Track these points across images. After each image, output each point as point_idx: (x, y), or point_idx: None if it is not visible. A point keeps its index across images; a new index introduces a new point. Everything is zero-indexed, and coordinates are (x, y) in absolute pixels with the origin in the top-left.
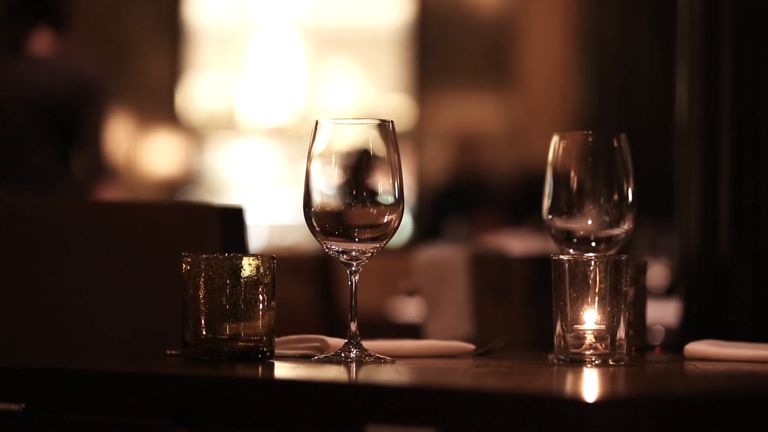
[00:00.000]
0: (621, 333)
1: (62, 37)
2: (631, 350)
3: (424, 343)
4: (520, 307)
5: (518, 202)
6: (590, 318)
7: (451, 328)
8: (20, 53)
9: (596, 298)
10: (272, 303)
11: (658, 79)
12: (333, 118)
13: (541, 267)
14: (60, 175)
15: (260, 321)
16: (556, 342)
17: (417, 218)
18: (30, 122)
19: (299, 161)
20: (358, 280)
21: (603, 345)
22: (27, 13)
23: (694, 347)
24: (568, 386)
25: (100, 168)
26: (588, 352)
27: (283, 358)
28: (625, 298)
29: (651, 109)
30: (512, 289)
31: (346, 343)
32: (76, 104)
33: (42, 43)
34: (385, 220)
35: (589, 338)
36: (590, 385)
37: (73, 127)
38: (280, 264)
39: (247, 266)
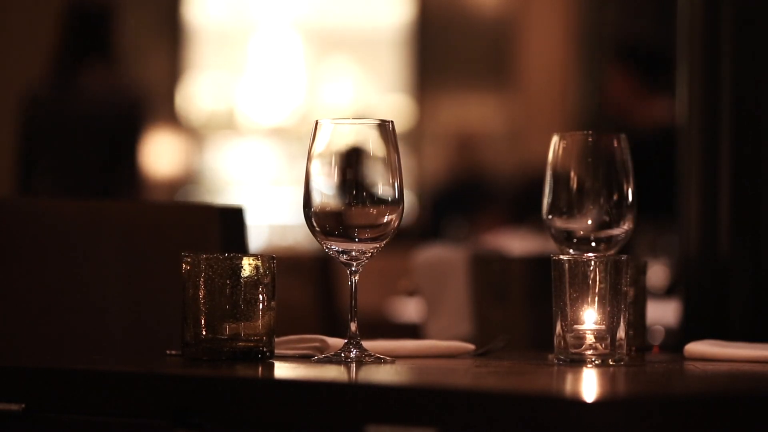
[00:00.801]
0: (621, 333)
1: (110, 68)
2: (631, 350)
3: (424, 343)
4: (520, 307)
5: (518, 202)
6: (590, 318)
7: (451, 328)
8: (76, 86)
9: (596, 298)
10: (272, 303)
11: None
12: (333, 118)
13: (541, 267)
14: (109, 182)
15: (260, 321)
16: (556, 342)
17: (417, 218)
18: (85, 140)
19: (299, 161)
20: (358, 280)
21: (603, 345)
22: (81, 52)
23: (694, 347)
24: (568, 386)
25: (138, 176)
26: (588, 352)
27: (283, 358)
28: (625, 298)
29: None
30: (512, 289)
31: (346, 343)
32: (122, 125)
33: (94, 76)
34: (385, 220)
35: (589, 338)
36: (590, 385)
37: (120, 144)
38: (280, 264)
39: (247, 266)
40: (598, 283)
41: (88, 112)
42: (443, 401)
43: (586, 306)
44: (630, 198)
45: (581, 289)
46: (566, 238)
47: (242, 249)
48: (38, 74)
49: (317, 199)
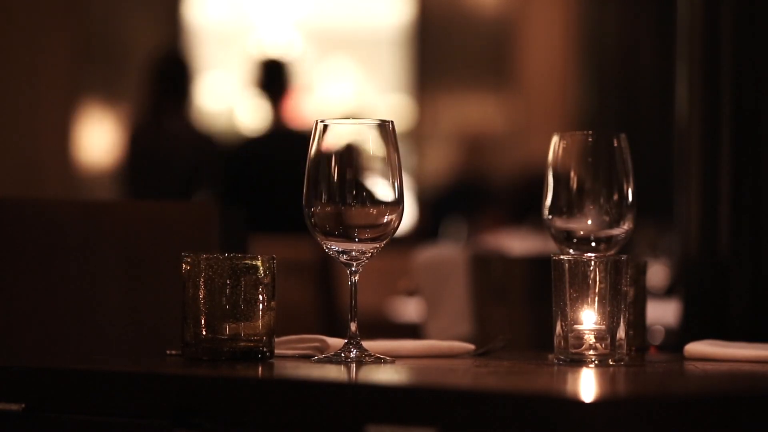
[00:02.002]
0: (621, 333)
1: (188, 113)
2: (631, 350)
3: (424, 343)
4: (520, 307)
5: (518, 202)
6: (590, 318)
7: (451, 328)
8: (161, 126)
9: (596, 298)
10: (272, 303)
11: (658, 79)
12: (333, 118)
13: (541, 267)
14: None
15: (260, 321)
16: (556, 342)
17: (417, 218)
18: (166, 172)
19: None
20: (358, 280)
21: (603, 345)
22: (165, 98)
23: (694, 347)
24: (568, 386)
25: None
26: (588, 352)
27: (283, 358)
28: (625, 298)
29: (651, 109)
30: (512, 289)
31: (346, 343)
32: (198, 156)
33: (175, 119)
34: (385, 220)
35: (589, 338)
36: (590, 385)
37: (197, 171)
38: (280, 264)
39: (247, 266)
40: (598, 283)
41: (170, 150)
42: (443, 401)
43: (586, 306)
44: (630, 198)
45: (581, 289)
46: (566, 238)
47: (242, 249)
48: (142, 112)
49: (317, 199)
